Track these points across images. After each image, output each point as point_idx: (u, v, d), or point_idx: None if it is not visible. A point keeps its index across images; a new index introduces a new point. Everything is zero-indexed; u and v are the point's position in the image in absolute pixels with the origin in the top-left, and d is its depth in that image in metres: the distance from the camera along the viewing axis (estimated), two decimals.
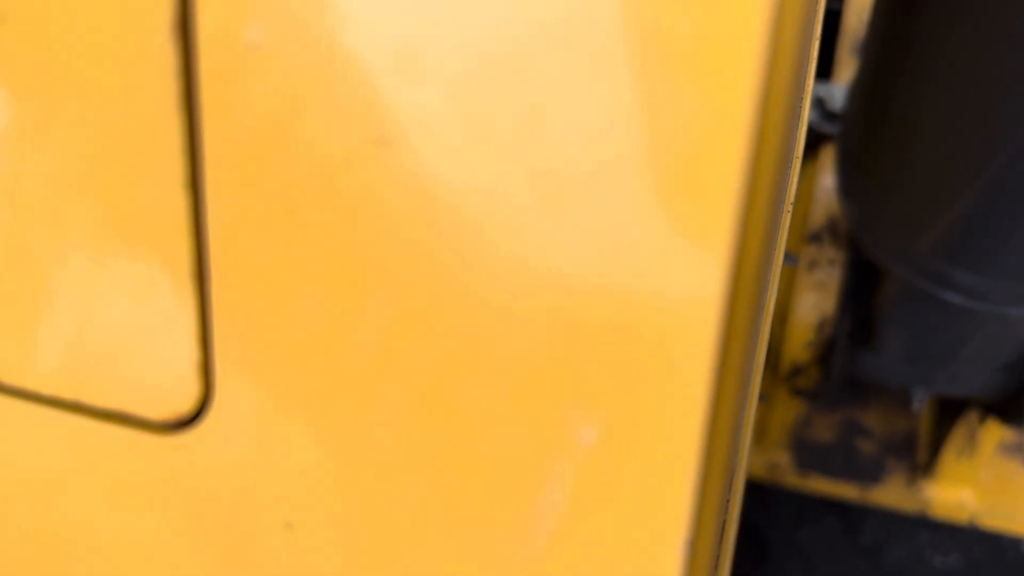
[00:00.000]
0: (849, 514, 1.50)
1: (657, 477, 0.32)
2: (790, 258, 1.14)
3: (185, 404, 0.38)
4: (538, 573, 0.35)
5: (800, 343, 1.23)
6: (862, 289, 1.02)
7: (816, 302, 1.21)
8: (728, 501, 0.34)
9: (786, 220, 0.38)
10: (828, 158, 1.20)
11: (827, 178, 1.20)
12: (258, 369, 0.36)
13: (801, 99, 0.30)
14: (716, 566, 0.35)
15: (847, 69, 1.21)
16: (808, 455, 1.30)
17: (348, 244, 0.33)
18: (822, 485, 1.36)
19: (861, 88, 0.83)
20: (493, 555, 0.35)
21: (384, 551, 0.37)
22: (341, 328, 0.34)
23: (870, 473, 1.33)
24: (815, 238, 1.22)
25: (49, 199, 0.37)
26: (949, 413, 1.20)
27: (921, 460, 1.29)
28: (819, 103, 1.13)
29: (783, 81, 0.27)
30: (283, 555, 0.38)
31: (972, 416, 1.18)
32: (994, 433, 1.21)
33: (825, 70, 1.22)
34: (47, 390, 0.40)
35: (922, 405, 1.21)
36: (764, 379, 1.10)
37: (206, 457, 0.38)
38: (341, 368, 0.35)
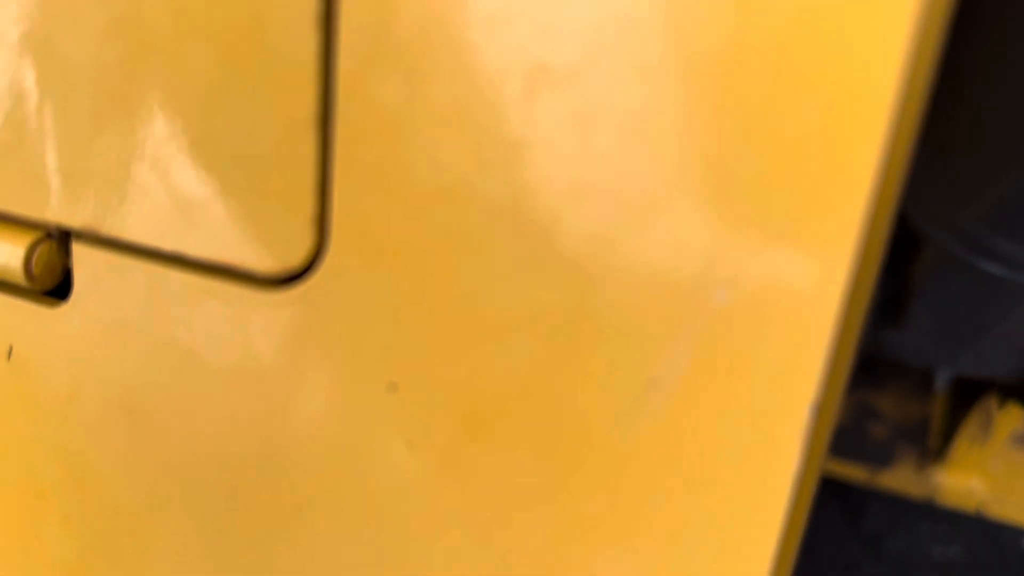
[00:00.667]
0: (851, 500, 1.51)
1: (760, 468, 0.32)
2: None
3: (295, 257, 0.37)
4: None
5: None
6: (895, 262, 1.02)
7: None
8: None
9: None
10: None
11: None
12: (376, 223, 0.36)
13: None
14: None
15: None
16: None
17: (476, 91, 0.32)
18: (829, 466, 1.36)
19: None
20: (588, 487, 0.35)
21: (487, 417, 0.37)
22: (464, 185, 0.34)
23: (880, 457, 1.33)
24: None
25: (168, 34, 0.36)
26: (965, 399, 1.21)
27: (933, 446, 1.29)
28: None
29: (917, 89, 0.28)
30: (384, 416, 0.38)
31: (988, 403, 1.19)
32: (1009, 421, 1.22)
33: None
34: (146, 241, 0.40)
35: (945, 385, 1.22)
36: None
37: (312, 312, 0.38)
38: (459, 223, 0.35)
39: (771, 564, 0.33)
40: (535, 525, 0.37)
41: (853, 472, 1.37)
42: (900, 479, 1.33)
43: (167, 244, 0.40)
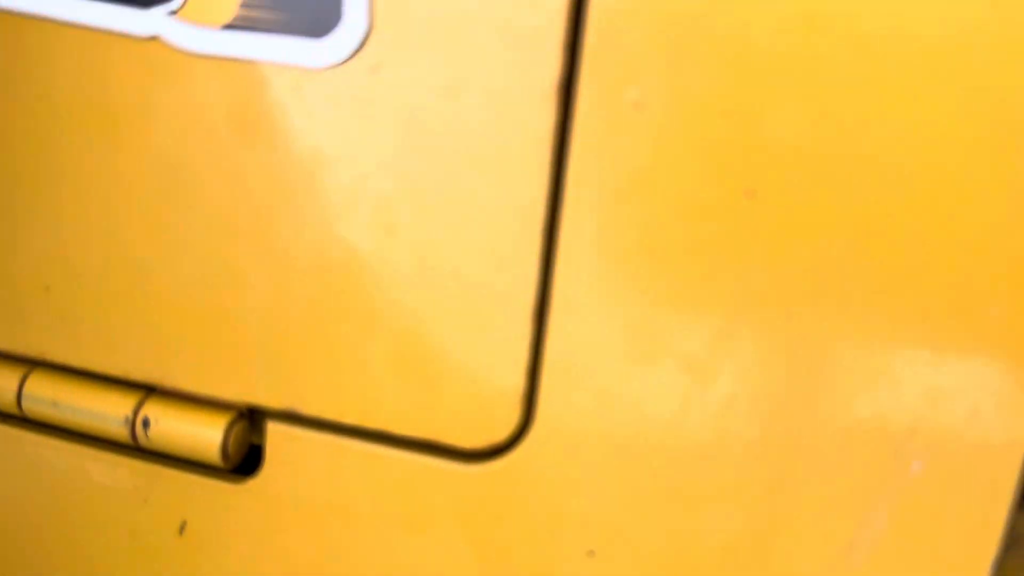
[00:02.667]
0: None
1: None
2: None
3: (501, 432, 0.41)
4: None
5: None
6: None
7: None
8: None
9: None
10: None
11: None
12: (580, 400, 0.40)
13: None
14: None
15: None
16: None
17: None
18: None
19: None
20: None
21: None
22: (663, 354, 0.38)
23: None
24: None
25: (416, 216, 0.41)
26: None
27: None
28: None
29: None
30: None
31: None
32: None
33: None
34: (350, 420, 0.43)
35: None
36: None
37: (513, 484, 0.41)
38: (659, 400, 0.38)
39: None
40: None
41: None
42: None
43: (371, 423, 0.43)
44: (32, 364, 0.49)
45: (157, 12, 0.41)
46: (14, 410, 0.49)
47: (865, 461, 0.37)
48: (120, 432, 0.46)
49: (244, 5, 0.40)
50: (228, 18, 0.40)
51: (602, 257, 0.38)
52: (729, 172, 0.36)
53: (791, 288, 0.36)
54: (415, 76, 0.38)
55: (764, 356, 0.37)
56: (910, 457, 0.36)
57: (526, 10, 0.36)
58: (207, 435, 0.45)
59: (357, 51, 0.39)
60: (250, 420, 0.46)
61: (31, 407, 0.48)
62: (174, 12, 0.41)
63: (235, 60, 0.41)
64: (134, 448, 0.48)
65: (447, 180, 0.39)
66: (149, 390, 0.47)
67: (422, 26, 0.38)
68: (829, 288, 0.36)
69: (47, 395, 0.48)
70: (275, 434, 0.45)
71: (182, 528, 0.47)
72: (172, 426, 0.45)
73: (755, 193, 0.36)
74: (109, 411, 0.47)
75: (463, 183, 0.39)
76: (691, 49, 0.35)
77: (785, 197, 0.35)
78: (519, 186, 0.38)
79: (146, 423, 0.46)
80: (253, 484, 0.46)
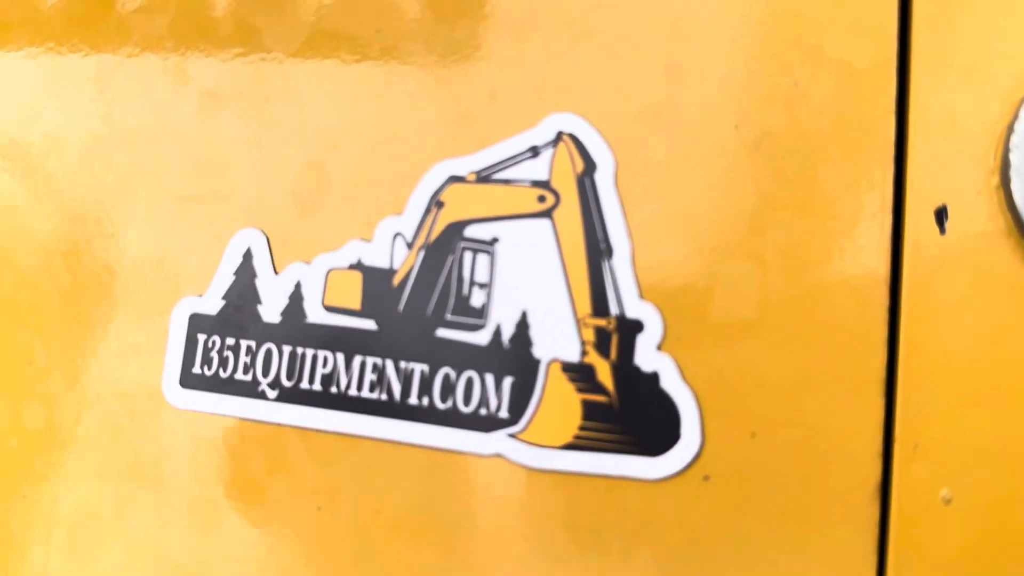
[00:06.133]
0: None
1: None
2: None
3: None
4: None
5: None
6: None
7: None
8: None
9: None
10: None
11: None
12: None
13: None
14: None
15: None
16: None
17: None
18: None
19: None
20: None
21: None
22: None
23: None
24: None
25: None
26: None
27: None
28: None
29: None
30: None
31: None
32: None
33: None
34: None
35: None
36: None
37: None
38: None
39: None
40: None
41: None
42: None
43: None
44: None
45: (499, 435, 0.48)
46: None
47: None
48: None
49: (582, 427, 0.47)
50: (568, 438, 0.47)
51: None
52: None
53: None
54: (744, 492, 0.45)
55: None
56: None
57: None
58: None
59: (691, 465, 0.45)
60: None
61: None
62: (514, 435, 0.48)
63: (571, 474, 0.47)
64: None
65: None
66: None
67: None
68: None
69: None
70: None
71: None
72: None
73: None
74: None
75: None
76: None
77: None
78: None
79: None
80: None
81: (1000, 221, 0.44)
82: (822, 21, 0.46)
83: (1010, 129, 0.44)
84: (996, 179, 0.44)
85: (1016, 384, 0.43)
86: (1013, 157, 0.43)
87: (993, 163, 0.44)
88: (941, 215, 0.45)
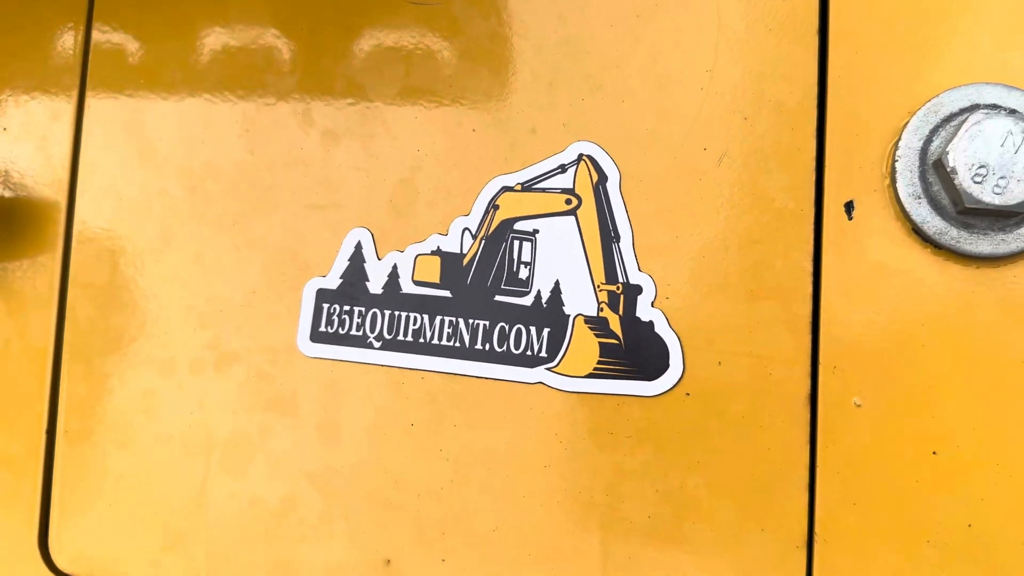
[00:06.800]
0: None
1: None
2: None
3: None
4: None
5: None
6: None
7: None
8: None
9: None
10: None
11: None
12: None
13: None
14: None
15: None
16: None
17: None
18: None
19: None
20: None
21: None
22: None
23: None
24: None
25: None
26: None
27: None
28: None
29: None
30: None
31: None
32: None
33: None
34: None
35: None
36: None
37: None
38: None
39: None
40: None
41: None
42: None
43: None
44: None
45: (540, 369, 0.67)
46: None
47: None
48: None
49: (600, 361, 0.66)
50: (589, 369, 0.66)
51: None
52: None
53: None
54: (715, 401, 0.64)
55: None
56: None
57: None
58: None
59: (676, 385, 0.64)
60: None
61: None
62: (551, 368, 0.67)
63: (592, 395, 0.66)
64: None
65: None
66: None
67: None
68: None
69: None
70: None
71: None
72: None
73: None
74: None
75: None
76: None
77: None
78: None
79: None
80: None
81: (891, 210, 0.63)
82: (763, 73, 0.65)
83: (895, 145, 0.63)
84: (888, 180, 0.63)
85: (899, 319, 0.61)
86: (898, 164, 0.62)
87: (885, 169, 0.63)
88: (849, 207, 0.64)
